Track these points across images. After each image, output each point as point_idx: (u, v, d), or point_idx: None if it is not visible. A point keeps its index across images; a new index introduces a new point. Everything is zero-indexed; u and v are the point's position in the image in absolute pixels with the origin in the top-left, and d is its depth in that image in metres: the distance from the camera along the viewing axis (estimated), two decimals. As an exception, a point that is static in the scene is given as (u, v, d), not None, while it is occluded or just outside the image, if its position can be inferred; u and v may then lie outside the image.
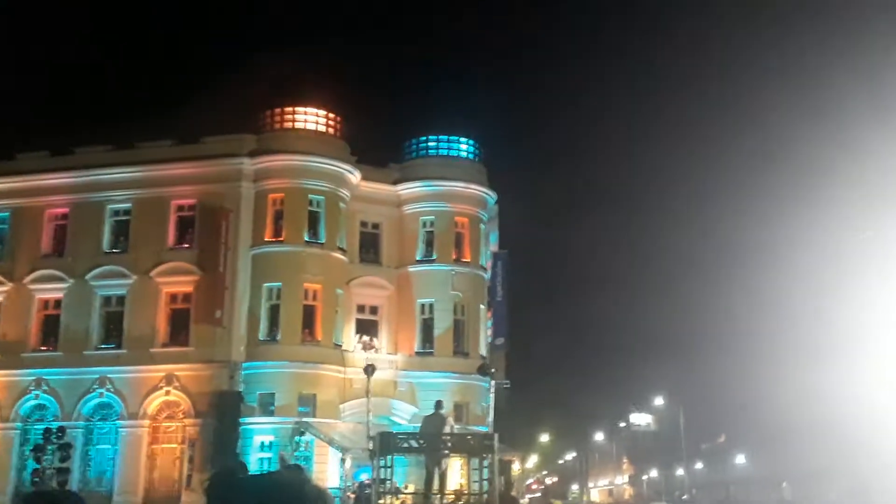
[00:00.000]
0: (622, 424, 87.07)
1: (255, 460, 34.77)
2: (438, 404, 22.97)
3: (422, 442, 21.43)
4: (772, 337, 51.05)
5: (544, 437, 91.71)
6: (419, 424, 25.50)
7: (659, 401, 74.81)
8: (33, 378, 36.84)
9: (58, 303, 38.17)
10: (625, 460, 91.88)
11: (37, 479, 31.73)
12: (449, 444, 21.63)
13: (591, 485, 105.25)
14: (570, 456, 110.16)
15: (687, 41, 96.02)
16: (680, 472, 74.29)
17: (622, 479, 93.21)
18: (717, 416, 67.97)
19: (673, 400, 69.55)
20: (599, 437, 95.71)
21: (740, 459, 66.24)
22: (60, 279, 37.81)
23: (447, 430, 21.75)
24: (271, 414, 35.08)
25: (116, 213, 38.55)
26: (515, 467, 42.75)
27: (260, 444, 34.95)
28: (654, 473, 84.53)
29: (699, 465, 75.25)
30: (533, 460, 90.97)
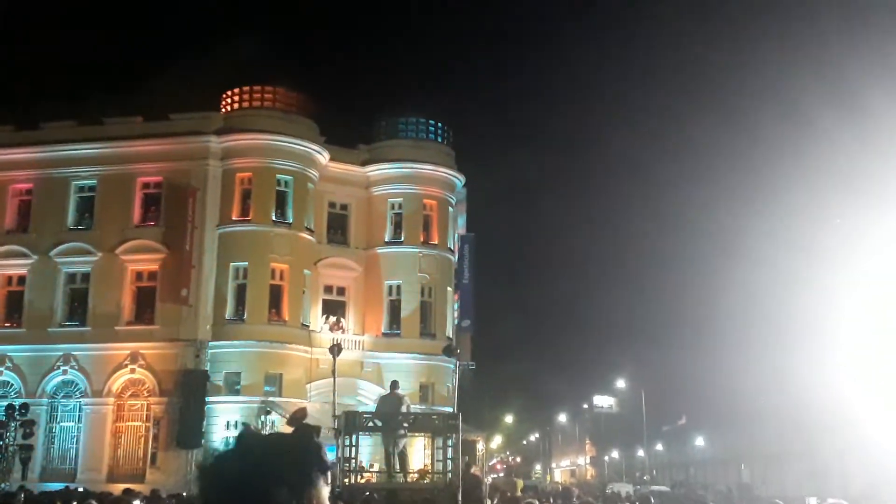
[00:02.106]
0: (585, 406, 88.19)
1: (221, 439, 34.88)
2: (394, 384, 23.19)
3: (378, 422, 21.66)
4: (734, 322, 51.87)
5: (508, 418, 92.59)
6: (376, 405, 25.74)
7: (621, 383, 75.89)
8: (-4, 354, 36.54)
9: (22, 279, 37.85)
10: (587, 441, 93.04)
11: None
12: (406, 425, 21.87)
13: (553, 465, 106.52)
14: (533, 437, 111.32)
15: (662, 29, 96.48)
16: (641, 453, 75.48)
17: (584, 460, 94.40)
18: (678, 398, 68.98)
19: (635, 382, 70.61)
20: (563, 418, 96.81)
21: (700, 441, 67.35)
22: (24, 255, 37.47)
23: (403, 409, 22.00)
24: (237, 393, 35.14)
25: (82, 189, 38.23)
26: (480, 447, 43.17)
27: (225, 423, 35.02)
28: (615, 454, 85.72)
29: (659, 447, 76.41)
30: (497, 441, 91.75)
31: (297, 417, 17.23)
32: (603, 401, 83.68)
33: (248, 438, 2.26)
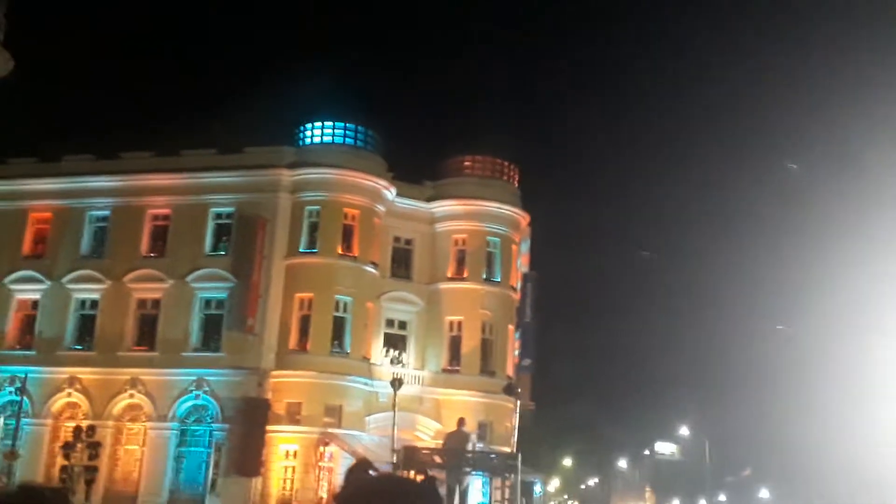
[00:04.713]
0: (646, 452, 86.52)
1: (279, 468, 35.15)
2: (461, 422, 23.19)
3: (444, 458, 21.62)
4: (803, 373, 50.65)
5: (567, 461, 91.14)
6: (442, 441, 25.69)
7: (684, 430, 74.32)
8: (67, 376, 37.48)
9: (95, 304, 38.82)
10: (647, 488, 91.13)
11: (65, 476, 32.35)
12: (471, 462, 21.81)
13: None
14: (592, 481, 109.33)
15: (730, 74, 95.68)
16: (703, 503, 73.67)
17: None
18: (743, 449, 67.36)
19: (699, 430, 69.08)
20: (623, 463, 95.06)
21: (764, 493, 65.57)
22: (98, 280, 38.50)
23: (469, 447, 21.94)
24: (297, 423, 35.40)
25: (156, 217, 39.23)
26: (538, 489, 42.64)
27: (285, 453, 35.30)
28: (676, 503, 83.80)
29: (723, 498, 74.50)
30: (555, 483, 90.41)
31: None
32: (665, 448, 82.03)
33: (391, 477, 2.58)
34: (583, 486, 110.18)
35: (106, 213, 39.68)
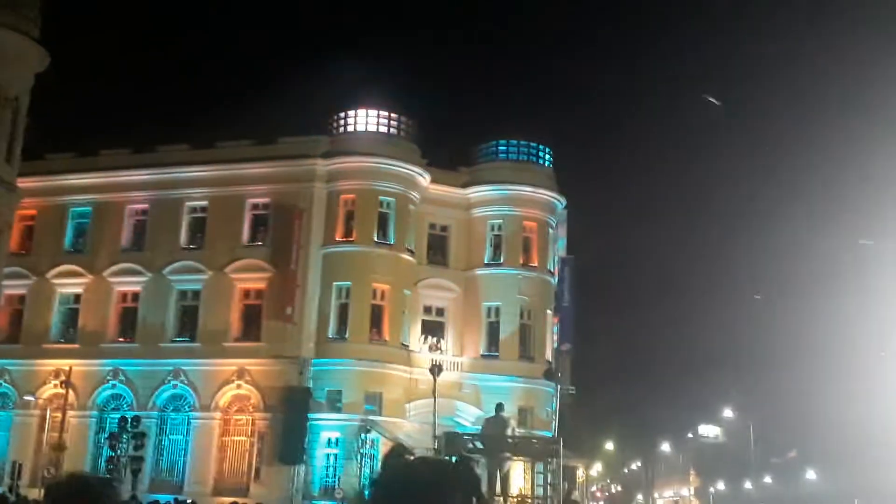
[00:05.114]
0: (689, 435, 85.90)
1: (322, 456, 35.38)
2: (499, 407, 23.02)
3: (484, 443, 21.54)
4: (848, 352, 49.78)
5: (609, 445, 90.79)
6: (482, 426, 25.59)
7: (728, 413, 73.62)
8: (111, 368, 38.03)
9: (136, 296, 39.33)
10: (691, 472, 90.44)
11: (111, 466, 32.78)
12: (511, 447, 21.71)
13: (656, 495, 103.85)
14: (635, 465, 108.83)
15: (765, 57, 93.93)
16: (748, 485, 73.01)
17: (688, 491, 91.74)
18: (788, 430, 66.52)
19: (742, 412, 68.43)
20: (666, 447, 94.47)
21: (811, 475, 64.73)
22: (139, 273, 38.96)
23: (509, 432, 21.83)
24: (338, 411, 35.61)
25: (194, 209, 39.58)
26: (580, 474, 42.50)
27: (327, 441, 35.52)
28: (721, 486, 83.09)
29: (768, 480, 73.68)
30: (597, 468, 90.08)
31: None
32: (708, 430, 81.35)
33: (427, 460, 2.43)
34: (625, 470, 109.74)
35: (144, 206, 40.08)
